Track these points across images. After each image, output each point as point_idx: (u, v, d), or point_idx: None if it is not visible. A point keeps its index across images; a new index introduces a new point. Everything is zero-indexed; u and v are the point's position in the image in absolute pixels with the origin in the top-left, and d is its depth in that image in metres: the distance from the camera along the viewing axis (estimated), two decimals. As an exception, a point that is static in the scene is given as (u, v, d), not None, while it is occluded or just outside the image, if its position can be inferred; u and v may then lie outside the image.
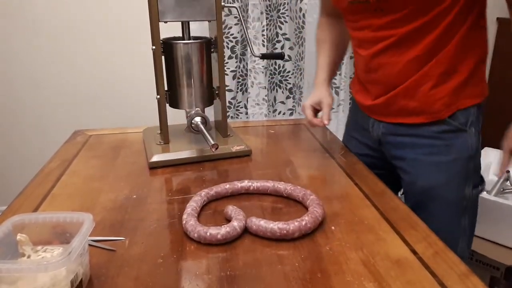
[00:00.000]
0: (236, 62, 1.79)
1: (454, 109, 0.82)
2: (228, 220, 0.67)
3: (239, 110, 1.90)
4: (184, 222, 0.65)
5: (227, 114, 1.03)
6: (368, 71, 0.89)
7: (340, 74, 1.83)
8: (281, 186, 0.76)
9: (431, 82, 0.81)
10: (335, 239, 0.64)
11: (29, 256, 0.54)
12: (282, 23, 1.79)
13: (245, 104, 1.89)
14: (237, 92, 1.85)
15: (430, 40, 0.77)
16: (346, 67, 1.81)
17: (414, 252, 0.60)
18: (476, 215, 0.89)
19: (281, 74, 1.87)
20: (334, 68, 1.03)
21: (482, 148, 0.93)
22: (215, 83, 0.98)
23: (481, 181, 0.93)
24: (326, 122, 0.92)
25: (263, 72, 1.82)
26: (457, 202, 0.84)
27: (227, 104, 1.81)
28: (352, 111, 1.08)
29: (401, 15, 0.76)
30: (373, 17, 0.80)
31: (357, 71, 0.96)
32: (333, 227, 0.66)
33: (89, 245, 0.57)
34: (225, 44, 1.74)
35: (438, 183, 0.84)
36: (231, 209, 0.68)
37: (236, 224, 0.63)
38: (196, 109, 0.94)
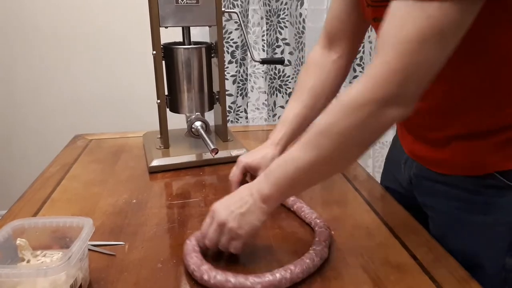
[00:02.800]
0: (236, 66, 1.80)
1: (495, 170, 0.63)
2: None
3: (239, 114, 1.90)
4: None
5: (227, 118, 1.03)
6: None
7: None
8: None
9: (461, 140, 0.63)
10: (334, 244, 0.63)
11: (28, 261, 0.53)
12: (282, 28, 1.80)
13: (245, 109, 1.89)
14: (237, 96, 1.86)
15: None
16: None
17: (414, 257, 0.60)
18: None
19: (281, 79, 1.88)
20: (304, 123, 0.76)
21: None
22: (215, 87, 0.99)
23: None
24: None
25: (263, 77, 1.82)
26: (494, 274, 0.66)
27: (227, 108, 1.81)
28: (393, 140, 0.89)
29: None
30: None
31: None
32: (332, 232, 0.66)
33: (89, 249, 0.57)
34: (225, 49, 1.75)
35: (469, 247, 0.66)
36: None
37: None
38: (196, 113, 0.94)
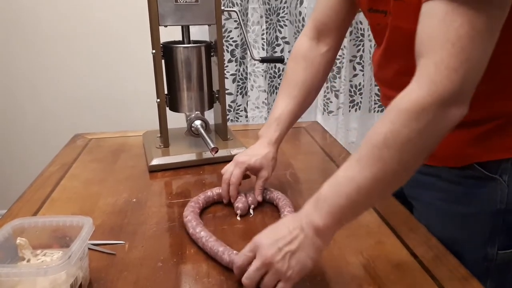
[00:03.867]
0: (236, 65, 1.80)
1: (475, 161, 0.64)
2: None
3: (239, 113, 1.90)
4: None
5: (227, 117, 1.03)
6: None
7: (340, 78, 1.84)
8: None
9: None
10: (334, 242, 0.63)
11: (28, 260, 0.54)
12: (281, 26, 1.80)
13: (245, 107, 1.89)
14: (237, 95, 1.86)
15: None
16: (346, 70, 1.82)
17: (414, 255, 0.60)
18: (507, 284, 0.70)
19: (281, 77, 1.88)
20: (294, 118, 0.77)
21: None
22: (215, 86, 0.99)
23: None
24: (259, 198, 0.73)
25: (263, 76, 1.82)
26: (475, 263, 0.66)
27: (227, 107, 1.81)
28: None
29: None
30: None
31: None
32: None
33: (89, 249, 0.57)
34: (225, 47, 1.75)
35: (451, 237, 0.67)
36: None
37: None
38: (196, 112, 0.94)
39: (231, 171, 0.73)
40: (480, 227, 0.67)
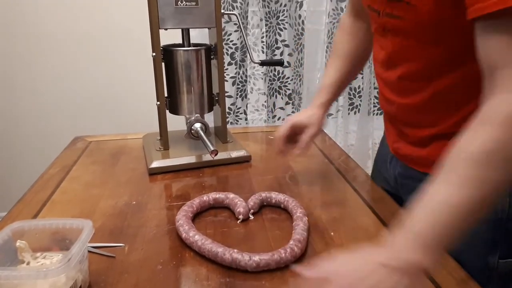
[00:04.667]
0: (236, 68, 1.80)
1: None
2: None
3: (238, 116, 1.90)
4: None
5: (227, 120, 1.03)
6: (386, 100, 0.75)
7: (339, 80, 1.84)
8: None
9: (444, 139, 0.62)
10: (334, 245, 0.64)
11: (28, 263, 0.54)
12: (281, 29, 1.80)
13: (244, 110, 1.89)
14: (236, 98, 1.86)
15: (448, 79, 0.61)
16: (345, 73, 1.82)
17: (413, 258, 0.60)
18: None
19: (281, 80, 1.88)
20: (342, 86, 0.86)
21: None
22: (215, 89, 0.99)
23: None
24: (297, 151, 0.79)
25: (262, 78, 1.83)
26: (477, 272, 0.64)
27: (227, 110, 1.81)
28: (381, 140, 0.91)
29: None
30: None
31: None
32: (332, 233, 0.66)
33: (89, 251, 0.57)
34: (224, 50, 1.75)
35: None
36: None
37: None
38: (196, 115, 0.94)
39: (281, 128, 0.81)
40: (482, 236, 0.66)
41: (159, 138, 1.01)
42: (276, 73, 1.87)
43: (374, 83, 1.89)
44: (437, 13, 0.56)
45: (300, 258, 0.60)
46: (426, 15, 0.57)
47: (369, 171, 0.96)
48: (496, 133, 0.44)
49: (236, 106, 1.87)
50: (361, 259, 0.45)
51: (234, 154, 0.96)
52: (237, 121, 1.90)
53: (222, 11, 0.91)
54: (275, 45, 1.82)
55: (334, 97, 0.86)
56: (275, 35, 1.81)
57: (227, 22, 1.71)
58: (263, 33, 1.76)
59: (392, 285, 0.42)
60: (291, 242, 0.60)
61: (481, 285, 0.61)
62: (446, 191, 0.45)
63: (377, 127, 1.95)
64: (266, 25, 1.77)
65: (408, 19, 0.61)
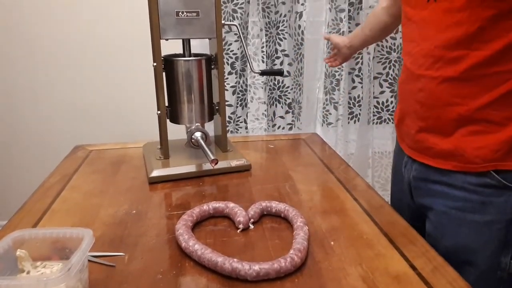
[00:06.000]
0: (236, 77, 1.81)
1: (495, 167, 0.66)
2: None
3: (238, 124, 1.91)
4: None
5: (227, 129, 1.04)
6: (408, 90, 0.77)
7: (338, 90, 1.85)
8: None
9: (471, 125, 0.65)
10: (334, 254, 0.64)
11: (28, 272, 0.53)
12: (281, 39, 1.82)
13: (244, 119, 1.90)
14: (237, 107, 1.87)
15: (481, 57, 0.63)
16: (345, 82, 1.83)
17: (413, 267, 0.60)
18: None
19: (281, 89, 1.89)
20: (362, 35, 1.10)
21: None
22: (215, 98, 1.00)
23: None
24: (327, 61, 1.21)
25: (262, 88, 1.84)
26: (488, 272, 0.69)
27: (227, 119, 1.82)
28: (394, 152, 0.93)
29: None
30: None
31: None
32: (332, 242, 0.66)
33: (89, 260, 0.57)
34: (225, 60, 1.77)
35: (465, 245, 0.69)
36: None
37: None
38: (196, 124, 0.95)
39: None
40: (494, 236, 0.67)
41: (159, 147, 1.01)
42: (276, 83, 1.88)
43: (373, 92, 1.90)
44: None
45: (300, 267, 0.60)
46: None
47: (369, 180, 0.97)
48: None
49: (236, 115, 1.88)
50: None
51: (234, 163, 0.96)
52: (237, 130, 1.91)
53: (223, 21, 0.92)
54: (275, 55, 1.84)
55: (357, 38, 1.12)
56: (275, 45, 1.83)
57: (227, 32, 1.73)
58: (263, 43, 1.78)
59: None
60: (291, 252, 0.60)
61: (492, 286, 0.63)
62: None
63: (377, 136, 1.95)
64: (266, 35, 1.78)
65: None
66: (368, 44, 1.20)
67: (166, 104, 0.96)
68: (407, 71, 0.77)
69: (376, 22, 1.05)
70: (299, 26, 1.76)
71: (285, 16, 1.78)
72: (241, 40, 1.11)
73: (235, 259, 0.58)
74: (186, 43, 0.95)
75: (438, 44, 0.68)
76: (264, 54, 1.79)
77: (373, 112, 1.94)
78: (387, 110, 1.95)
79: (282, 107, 1.92)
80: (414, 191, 0.79)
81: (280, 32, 1.81)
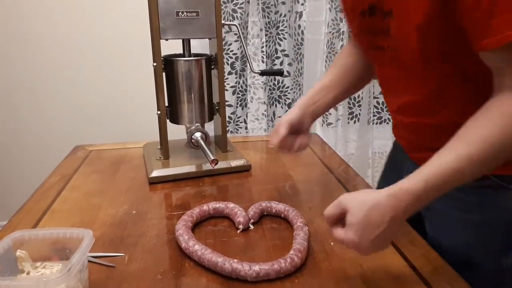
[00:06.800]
0: (236, 77, 1.81)
1: (496, 173, 0.64)
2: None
3: (238, 125, 1.91)
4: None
5: (227, 128, 1.04)
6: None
7: (338, 90, 1.85)
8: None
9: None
10: (334, 255, 0.63)
11: (28, 273, 0.54)
12: (281, 40, 1.82)
13: (244, 119, 1.90)
14: (236, 107, 1.87)
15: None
16: (345, 82, 1.83)
17: (413, 268, 0.60)
18: None
19: (280, 89, 1.89)
20: (327, 93, 0.83)
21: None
22: (215, 98, 1.00)
23: None
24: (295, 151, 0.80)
25: (262, 88, 1.84)
26: (490, 273, 0.67)
27: (227, 119, 1.82)
28: (394, 145, 0.92)
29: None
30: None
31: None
32: (332, 243, 0.66)
33: (89, 261, 0.57)
34: (225, 60, 1.77)
35: (466, 246, 0.68)
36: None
37: None
38: (196, 124, 0.95)
39: (279, 133, 0.78)
40: (495, 237, 0.67)
41: (159, 147, 1.01)
42: (276, 83, 1.88)
43: (373, 93, 1.90)
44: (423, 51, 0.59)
45: (300, 267, 0.60)
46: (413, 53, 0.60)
47: (369, 180, 0.96)
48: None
49: (236, 115, 1.88)
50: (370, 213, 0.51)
51: (234, 163, 0.96)
52: (237, 130, 1.91)
53: (223, 21, 0.92)
54: (275, 55, 1.84)
55: (317, 97, 0.83)
56: (275, 45, 1.83)
57: (227, 32, 1.73)
58: (263, 43, 1.78)
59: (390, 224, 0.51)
60: (291, 252, 0.60)
61: (493, 286, 0.63)
62: (457, 161, 0.51)
63: (377, 136, 1.95)
64: (266, 35, 1.78)
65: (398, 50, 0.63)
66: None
67: (166, 104, 0.96)
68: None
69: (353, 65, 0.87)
70: (299, 26, 1.76)
71: (285, 16, 1.78)
72: (241, 40, 1.11)
73: (235, 260, 0.58)
74: (186, 43, 0.95)
75: (400, 104, 0.71)
76: (264, 54, 1.79)
77: (373, 112, 1.94)
78: (387, 110, 1.95)
79: (282, 107, 1.92)
80: None
81: (280, 32, 1.81)
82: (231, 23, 1.02)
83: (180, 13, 0.88)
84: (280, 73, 1.11)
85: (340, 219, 0.55)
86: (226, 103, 1.76)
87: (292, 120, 0.78)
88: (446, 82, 0.63)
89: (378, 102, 1.94)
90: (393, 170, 0.89)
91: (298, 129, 0.80)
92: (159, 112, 0.94)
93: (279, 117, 1.92)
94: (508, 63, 0.52)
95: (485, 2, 0.48)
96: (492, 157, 0.51)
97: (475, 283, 0.59)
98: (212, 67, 0.97)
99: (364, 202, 0.52)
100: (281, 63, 1.85)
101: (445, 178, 0.51)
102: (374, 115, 1.95)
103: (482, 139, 0.51)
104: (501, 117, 0.51)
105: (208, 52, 1.00)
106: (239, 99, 1.87)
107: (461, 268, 0.61)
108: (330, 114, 1.90)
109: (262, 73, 1.13)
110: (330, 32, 1.77)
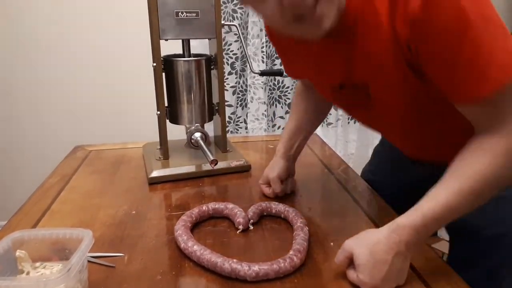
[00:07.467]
0: (236, 78, 1.81)
1: None
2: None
3: (238, 125, 1.91)
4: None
5: (227, 129, 1.04)
6: None
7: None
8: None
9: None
10: (333, 255, 0.63)
11: (28, 273, 0.53)
12: (281, 39, 1.82)
13: (244, 119, 1.90)
14: (236, 107, 1.87)
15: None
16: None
17: (413, 268, 0.60)
18: None
19: (280, 89, 1.89)
20: (299, 135, 0.87)
21: None
22: (215, 99, 0.99)
23: None
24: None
25: (262, 88, 1.84)
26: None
27: (227, 119, 1.82)
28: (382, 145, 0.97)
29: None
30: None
31: None
32: (332, 243, 0.66)
33: (88, 261, 0.57)
34: (225, 60, 1.77)
35: (494, 218, 0.69)
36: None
37: None
38: (196, 124, 0.95)
39: (275, 189, 0.82)
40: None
41: (159, 147, 1.01)
42: (276, 83, 1.88)
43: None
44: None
45: (300, 268, 0.60)
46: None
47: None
48: (495, 162, 0.52)
49: (236, 115, 1.88)
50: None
51: (234, 163, 0.96)
52: (237, 130, 1.91)
53: (223, 22, 0.92)
54: (275, 55, 1.84)
55: (292, 142, 0.87)
56: (275, 45, 1.83)
57: (227, 32, 1.73)
58: (263, 43, 1.78)
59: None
60: (290, 252, 0.60)
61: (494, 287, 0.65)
62: (451, 197, 0.53)
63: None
64: (266, 35, 1.78)
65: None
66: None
67: (166, 104, 0.96)
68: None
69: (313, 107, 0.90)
70: (299, 26, 1.76)
71: (285, 16, 1.78)
72: (241, 41, 1.10)
73: (234, 260, 0.58)
74: (186, 44, 0.95)
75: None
76: (264, 54, 1.79)
77: (373, 112, 1.94)
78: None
79: (282, 107, 1.92)
80: (418, 191, 0.78)
81: (280, 32, 1.81)
82: (231, 23, 1.02)
83: (179, 14, 0.88)
84: (280, 73, 1.11)
85: (351, 262, 0.57)
86: (226, 103, 1.76)
87: (282, 175, 0.83)
88: (444, 125, 0.64)
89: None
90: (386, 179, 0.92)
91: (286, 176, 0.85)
92: (158, 112, 0.94)
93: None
94: (481, 115, 0.53)
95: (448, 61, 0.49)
96: (484, 190, 0.53)
97: (475, 283, 0.59)
98: (212, 67, 0.97)
99: (366, 244, 0.55)
100: (281, 64, 1.84)
101: (441, 211, 0.53)
102: (374, 115, 1.95)
103: (473, 174, 0.53)
104: (486, 154, 0.53)
105: (208, 52, 1.00)
106: (239, 99, 1.87)
107: (488, 240, 0.67)
108: (330, 114, 1.90)
109: (262, 73, 1.13)
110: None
